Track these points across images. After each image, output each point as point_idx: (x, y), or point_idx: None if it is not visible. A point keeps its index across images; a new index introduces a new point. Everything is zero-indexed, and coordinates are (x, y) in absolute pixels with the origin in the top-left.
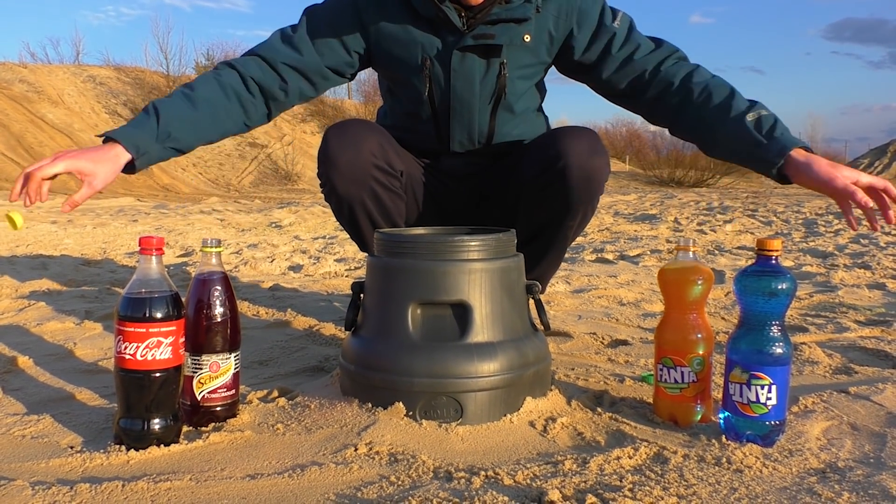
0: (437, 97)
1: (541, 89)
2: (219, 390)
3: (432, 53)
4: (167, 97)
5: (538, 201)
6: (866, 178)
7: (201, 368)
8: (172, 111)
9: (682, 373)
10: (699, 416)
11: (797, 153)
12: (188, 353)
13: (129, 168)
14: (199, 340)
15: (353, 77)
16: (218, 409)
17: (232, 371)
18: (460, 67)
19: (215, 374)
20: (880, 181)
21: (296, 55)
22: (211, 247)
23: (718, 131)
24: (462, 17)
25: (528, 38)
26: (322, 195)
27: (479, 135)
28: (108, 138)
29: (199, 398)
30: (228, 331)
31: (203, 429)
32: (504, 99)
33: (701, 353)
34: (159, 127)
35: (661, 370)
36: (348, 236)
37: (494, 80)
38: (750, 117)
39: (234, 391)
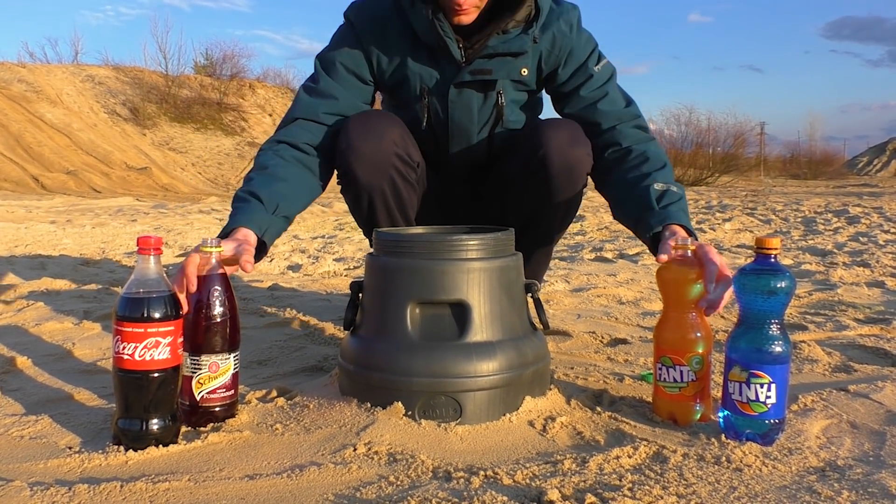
0: (435, 124)
1: (538, 102)
2: (218, 391)
3: (430, 85)
4: (250, 182)
5: (522, 193)
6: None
7: (200, 369)
8: (266, 188)
9: (682, 372)
10: (698, 415)
11: (674, 228)
12: (187, 353)
13: (260, 251)
14: (198, 341)
15: (374, 102)
16: (217, 409)
17: (231, 371)
18: (458, 99)
19: (214, 374)
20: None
21: (331, 102)
22: (210, 247)
23: (630, 192)
24: (460, 48)
25: (525, 72)
26: (339, 186)
27: (478, 151)
28: (228, 231)
29: (197, 398)
30: (228, 331)
31: (202, 429)
32: (501, 122)
33: (700, 352)
34: (265, 204)
35: (661, 369)
36: (349, 236)
37: (492, 107)
38: (658, 187)
39: (233, 391)
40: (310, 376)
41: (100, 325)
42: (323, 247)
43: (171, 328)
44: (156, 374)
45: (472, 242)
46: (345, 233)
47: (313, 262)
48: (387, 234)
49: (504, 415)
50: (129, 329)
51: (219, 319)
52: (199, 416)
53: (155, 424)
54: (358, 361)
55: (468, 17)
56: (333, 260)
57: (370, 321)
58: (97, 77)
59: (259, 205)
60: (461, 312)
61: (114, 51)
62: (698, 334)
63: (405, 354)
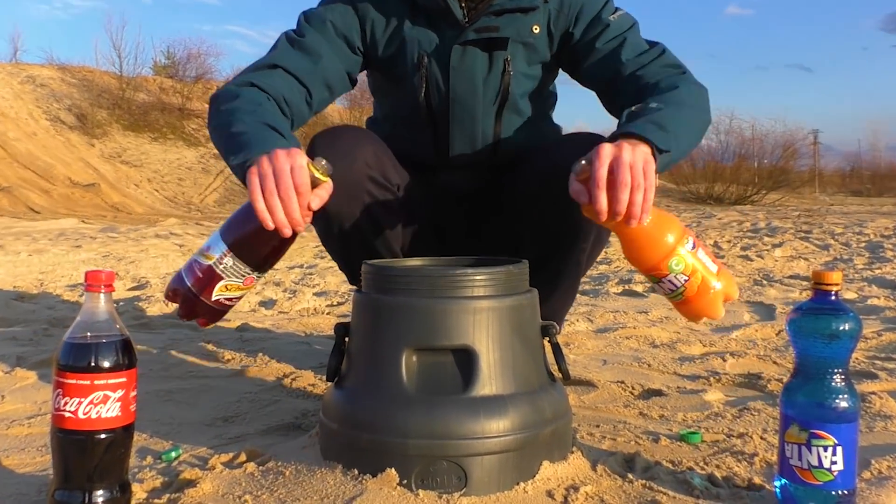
0: (434, 100)
1: (551, 94)
2: (233, 299)
3: (429, 50)
4: (254, 114)
5: (542, 219)
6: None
7: (235, 276)
8: (283, 125)
9: (671, 280)
10: (721, 300)
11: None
12: (232, 254)
13: None
14: (255, 253)
15: (355, 82)
16: (218, 310)
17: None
18: (460, 65)
19: (244, 287)
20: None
21: (315, 60)
22: (319, 169)
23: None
24: (463, 8)
25: (537, 30)
26: None
27: (483, 141)
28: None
29: (213, 298)
30: (282, 253)
31: (155, 501)
32: (509, 100)
33: (672, 250)
34: (287, 139)
35: (656, 287)
36: (331, 265)
37: (499, 78)
38: (641, 106)
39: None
40: (285, 436)
41: (35, 374)
42: (301, 278)
43: (123, 380)
44: (102, 436)
45: (478, 277)
46: (326, 262)
47: (290, 297)
48: (378, 268)
49: (517, 484)
50: (73, 381)
51: (286, 240)
52: (199, 310)
53: (100, 497)
54: (343, 419)
55: None
56: (314, 294)
57: (358, 371)
58: (39, 78)
59: (282, 138)
60: (466, 361)
61: (60, 48)
62: (666, 237)
63: (400, 411)
